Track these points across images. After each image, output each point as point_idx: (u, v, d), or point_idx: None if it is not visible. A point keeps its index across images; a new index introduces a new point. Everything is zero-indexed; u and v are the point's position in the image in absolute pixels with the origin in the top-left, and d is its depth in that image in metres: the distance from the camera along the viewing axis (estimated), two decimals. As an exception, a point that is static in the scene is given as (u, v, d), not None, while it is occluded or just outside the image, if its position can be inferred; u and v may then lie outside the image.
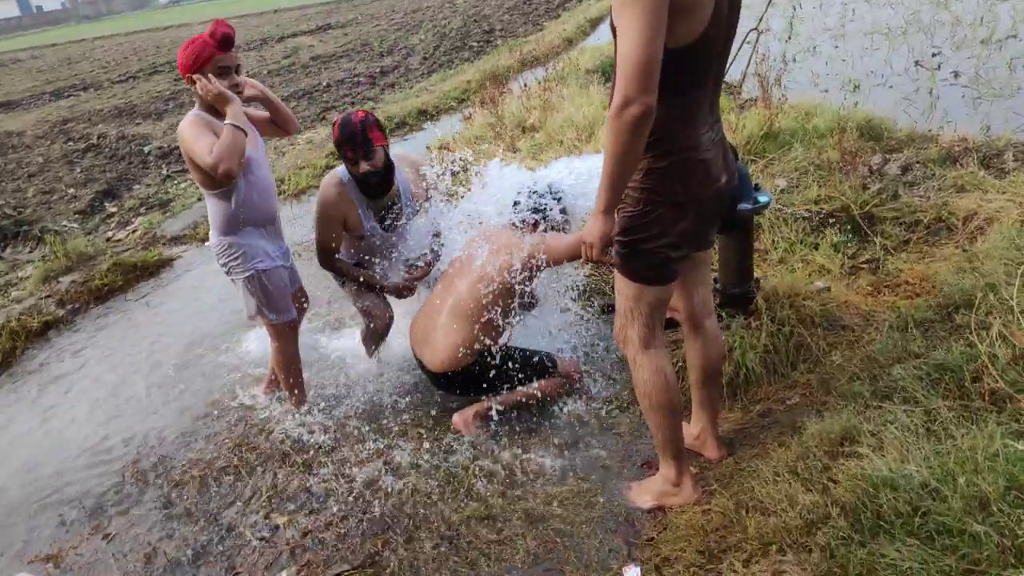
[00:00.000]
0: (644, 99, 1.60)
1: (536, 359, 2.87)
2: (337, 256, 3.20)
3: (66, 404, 3.67)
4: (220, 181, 2.64)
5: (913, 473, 1.70)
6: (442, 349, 2.81)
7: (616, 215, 1.87)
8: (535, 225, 2.87)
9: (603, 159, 1.72)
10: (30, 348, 4.33)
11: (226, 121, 2.59)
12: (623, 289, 2.01)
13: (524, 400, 2.88)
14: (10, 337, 4.33)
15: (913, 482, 1.68)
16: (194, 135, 2.61)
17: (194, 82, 2.64)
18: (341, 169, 3.08)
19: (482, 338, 2.77)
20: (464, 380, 2.86)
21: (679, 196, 1.85)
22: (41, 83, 20.18)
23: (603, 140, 5.04)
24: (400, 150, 3.14)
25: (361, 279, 3.18)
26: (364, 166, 2.89)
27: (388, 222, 3.18)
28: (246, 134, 2.61)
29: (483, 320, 2.75)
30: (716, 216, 2.02)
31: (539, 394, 2.87)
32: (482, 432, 2.85)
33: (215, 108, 2.70)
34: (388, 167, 3.00)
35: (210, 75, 2.61)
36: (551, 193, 2.92)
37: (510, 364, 2.83)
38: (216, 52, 2.62)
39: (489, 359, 2.80)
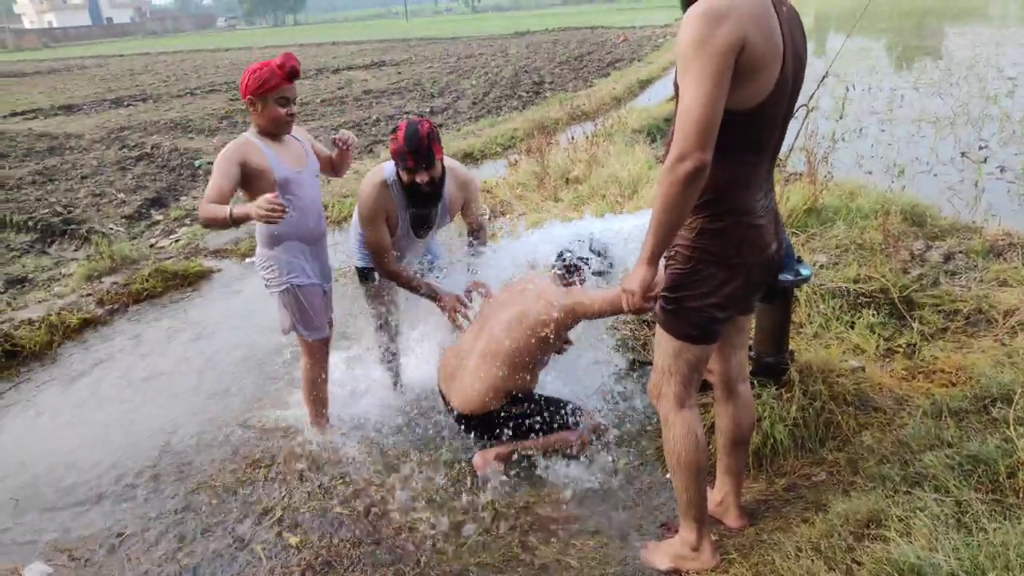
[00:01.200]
0: (699, 155, 1.64)
1: (563, 411, 2.87)
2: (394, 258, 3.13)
3: (94, 401, 3.74)
4: (260, 194, 2.69)
5: (941, 563, 1.68)
6: (470, 390, 2.82)
7: (665, 271, 1.90)
8: (576, 276, 2.90)
9: (653, 212, 1.75)
10: (67, 343, 4.43)
11: (231, 208, 2.58)
12: (664, 345, 2.03)
13: (546, 449, 2.88)
14: (48, 331, 4.43)
15: (941, 572, 1.66)
16: (218, 163, 2.69)
17: (253, 104, 2.74)
18: (387, 168, 3.02)
19: (511, 384, 2.78)
20: (488, 423, 2.87)
21: (731, 259, 1.88)
22: (104, 90, 20.99)
23: (651, 194, 5.13)
24: (448, 160, 3.16)
25: (419, 288, 3.15)
26: (423, 176, 2.87)
27: (422, 228, 3.16)
28: (229, 222, 2.59)
29: (515, 365, 2.77)
30: (763, 282, 2.04)
31: (561, 445, 2.86)
32: (501, 473, 2.85)
33: (271, 133, 2.81)
34: (441, 179, 2.99)
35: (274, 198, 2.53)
36: (592, 248, 2.95)
37: (536, 411, 2.84)
38: (283, 83, 2.73)
39: (515, 407, 2.81)
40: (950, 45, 18.82)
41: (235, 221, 2.58)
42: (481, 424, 2.88)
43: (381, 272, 3.15)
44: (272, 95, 2.73)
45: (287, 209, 2.50)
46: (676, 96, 1.84)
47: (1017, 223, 4.92)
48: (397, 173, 2.95)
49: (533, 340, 2.76)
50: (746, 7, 1.65)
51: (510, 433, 2.85)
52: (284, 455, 3.11)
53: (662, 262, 1.92)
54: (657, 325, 2.06)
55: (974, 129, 8.39)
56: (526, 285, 2.94)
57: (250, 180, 2.77)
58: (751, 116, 1.74)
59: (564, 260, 2.91)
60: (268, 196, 2.47)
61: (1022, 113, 8.87)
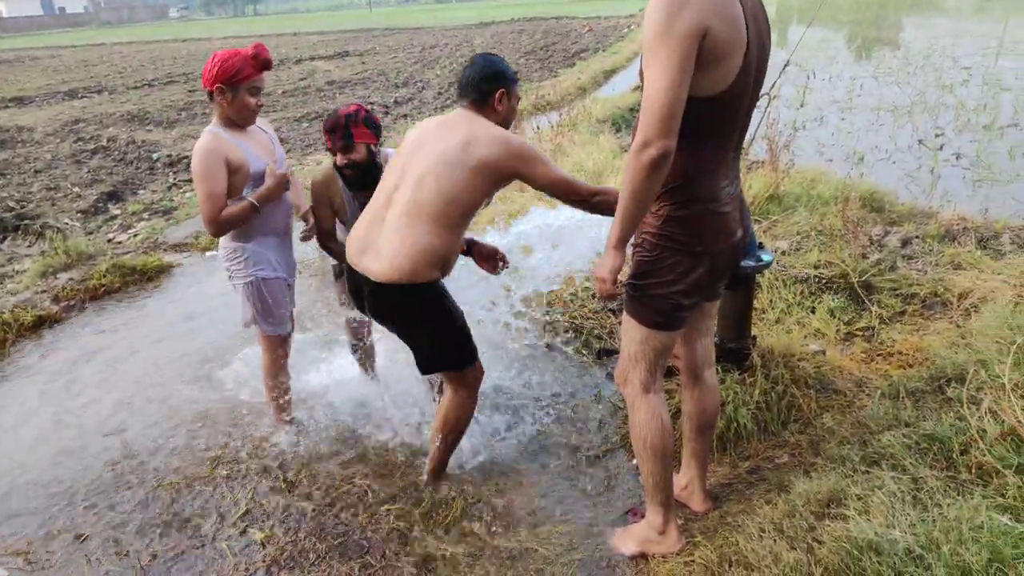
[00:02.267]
0: (663, 141, 1.66)
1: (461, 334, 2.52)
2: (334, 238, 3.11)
3: (50, 400, 3.64)
4: (234, 191, 2.70)
5: (898, 539, 1.71)
6: (393, 254, 2.32)
7: (632, 258, 1.91)
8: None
9: (620, 197, 1.77)
10: (21, 341, 4.30)
11: (250, 198, 2.71)
12: (630, 331, 2.04)
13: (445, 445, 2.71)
14: (1, 329, 4.30)
15: (898, 548, 1.69)
16: (201, 172, 2.63)
17: (222, 93, 2.66)
18: None
19: (443, 248, 2.33)
20: (405, 303, 2.41)
21: (696, 246, 1.89)
22: (57, 82, 20.38)
23: (617, 182, 5.15)
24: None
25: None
26: (340, 159, 2.81)
27: None
28: (258, 211, 2.74)
29: (449, 223, 2.33)
30: (729, 269, 2.06)
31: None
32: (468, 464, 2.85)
33: (233, 121, 2.75)
34: (370, 165, 2.85)
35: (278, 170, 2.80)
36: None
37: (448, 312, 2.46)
38: (255, 72, 2.68)
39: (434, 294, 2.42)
40: (908, 36, 19.22)
41: (259, 207, 2.75)
42: (398, 303, 2.43)
43: (320, 244, 3.11)
44: (244, 84, 2.67)
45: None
46: (642, 83, 1.84)
47: (971, 208, 5.06)
48: None
49: (466, 193, 2.30)
50: None
51: (418, 324, 2.46)
52: (247, 451, 3.07)
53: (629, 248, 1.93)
54: (623, 312, 2.07)
55: (931, 117, 8.58)
56: (457, 121, 2.41)
57: (228, 176, 2.69)
58: (715, 103, 1.75)
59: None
60: (275, 171, 2.77)
61: (976, 102, 9.09)
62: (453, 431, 2.65)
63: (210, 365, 3.85)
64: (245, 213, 2.72)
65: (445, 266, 2.42)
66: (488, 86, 2.37)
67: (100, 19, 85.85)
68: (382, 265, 2.33)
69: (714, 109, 1.76)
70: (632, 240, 1.97)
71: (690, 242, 1.88)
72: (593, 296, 3.89)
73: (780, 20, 28.67)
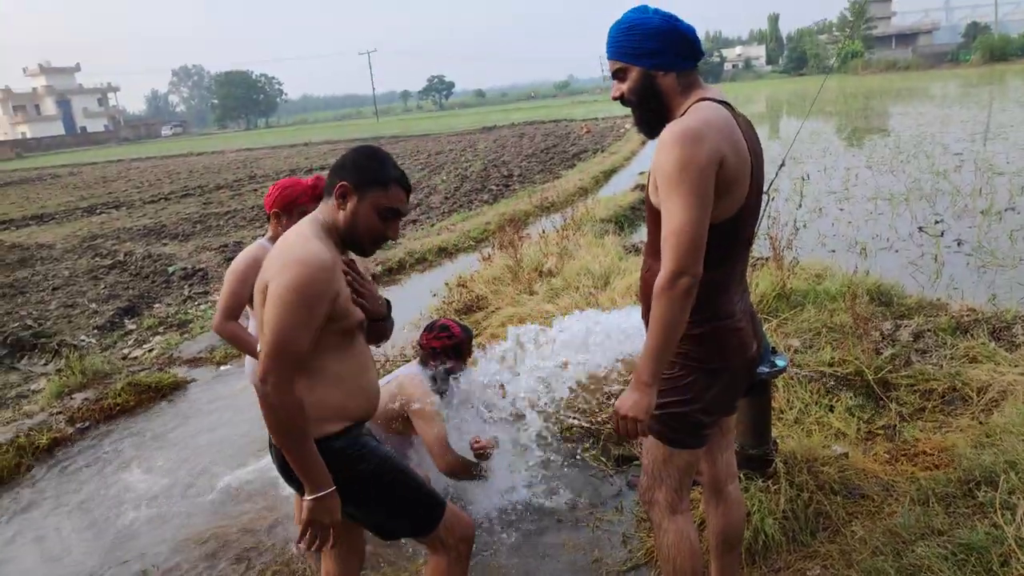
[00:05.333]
0: (694, 271, 1.71)
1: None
2: None
3: (63, 525, 3.58)
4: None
5: (946, 665, 1.65)
6: None
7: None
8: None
9: (650, 330, 1.77)
10: (36, 465, 4.28)
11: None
12: (653, 451, 2.03)
13: None
14: (16, 453, 4.29)
15: (947, 675, 1.62)
16: (234, 269, 2.84)
17: (278, 217, 2.88)
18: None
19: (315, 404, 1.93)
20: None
21: (714, 363, 1.91)
22: (76, 199, 21.11)
23: (623, 285, 5.22)
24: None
25: None
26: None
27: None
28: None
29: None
30: (746, 383, 2.07)
31: None
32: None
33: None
34: None
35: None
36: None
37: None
38: (311, 202, 2.83)
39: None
40: (896, 123, 19.84)
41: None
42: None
43: None
44: (298, 210, 2.84)
45: None
46: (649, 212, 1.91)
47: (978, 296, 5.09)
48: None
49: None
50: (718, 125, 1.75)
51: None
52: (280, 557, 2.98)
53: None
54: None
55: (928, 204, 8.75)
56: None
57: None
58: (728, 226, 1.82)
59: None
60: None
61: (971, 187, 9.29)
62: None
63: (230, 484, 3.80)
64: (246, 345, 2.84)
65: (342, 416, 1.94)
66: (331, 178, 1.94)
67: (120, 136, 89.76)
68: None
69: (727, 232, 1.83)
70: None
71: (708, 359, 1.90)
72: (611, 400, 3.87)
73: (771, 114, 29.73)
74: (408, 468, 2.09)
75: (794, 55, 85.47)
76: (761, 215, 5.37)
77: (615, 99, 1.95)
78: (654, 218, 1.90)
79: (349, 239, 1.93)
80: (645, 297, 2.00)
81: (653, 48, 1.83)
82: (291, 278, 1.75)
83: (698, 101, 1.83)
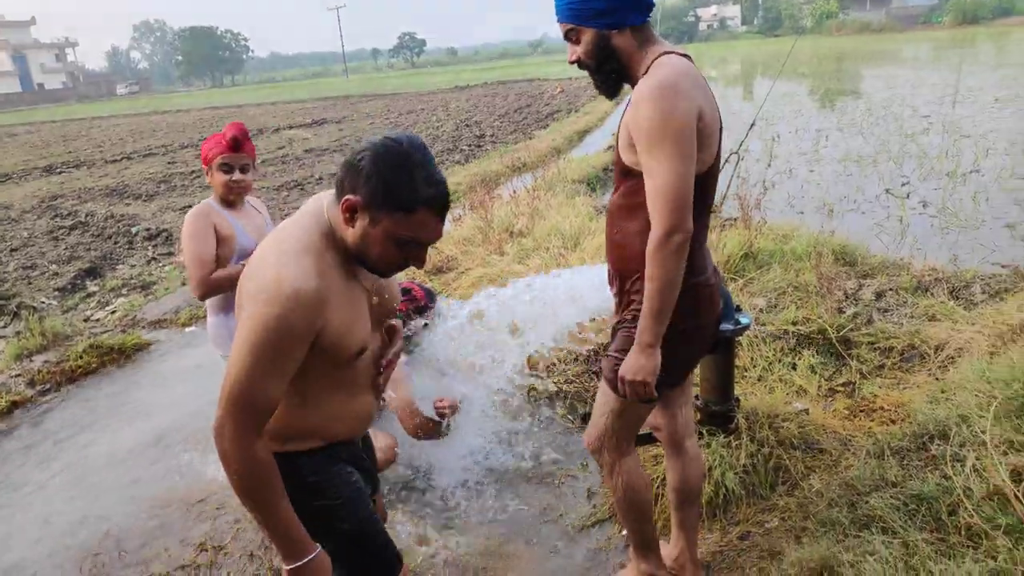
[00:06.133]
0: (686, 227, 1.70)
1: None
2: None
3: (25, 488, 3.54)
4: (220, 263, 2.80)
5: (893, 610, 1.70)
6: None
7: (617, 333, 1.92)
8: None
9: (648, 291, 1.75)
10: (-6, 428, 4.20)
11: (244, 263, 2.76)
12: (608, 402, 2.03)
13: None
14: (-26, 416, 4.21)
15: (893, 620, 1.68)
16: (190, 233, 2.77)
17: (207, 172, 2.87)
18: None
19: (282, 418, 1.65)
20: None
21: (687, 321, 1.89)
22: (35, 158, 20.45)
23: (594, 245, 5.21)
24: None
25: None
26: None
27: None
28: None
29: None
30: (711, 341, 2.08)
31: None
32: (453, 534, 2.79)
33: (223, 199, 2.88)
34: None
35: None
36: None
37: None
38: (224, 150, 2.80)
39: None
40: (868, 86, 19.93)
41: None
42: None
43: None
44: (214, 162, 2.82)
45: None
46: (619, 170, 1.88)
47: (941, 256, 5.18)
48: None
49: None
50: (692, 78, 1.72)
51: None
52: (232, 537, 2.98)
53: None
54: (602, 382, 2.06)
55: (896, 166, 8.84)
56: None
57: (216, 245, 2.82)
58: (702, 180, 1.80)
59: None
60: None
61: (938, 150, 9.39)
62: None
63: (193, 446, 3.77)
64: (235, 279, 2.74)
65: (317, 436, 1.68)
66: (341, 177, 1.48)
67: (79, 94, 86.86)
68: None
69: (701, 186, 1.80)
70: (617, 317, 1.99)
71: (682, 317, 1.88)
72: (576, 360, 3.89)
73: (745, 76, 29.68)
74: (374, 517, 1.79)
75: (769, 16, 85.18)
76: (731, 175, 5.38)
77: (572, 63, 1.88)
78: (625, 177, 1.87)
79: (359, 260, 1.53)
80: (616, 259, 1.98)
81: (602, 7, 1.76)
82: (260, 314, 1.39)
83: (660, 56, 1.78)
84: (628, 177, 1.86)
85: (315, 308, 1.42)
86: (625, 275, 1.94)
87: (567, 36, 1.86)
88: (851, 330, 3.62)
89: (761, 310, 3.88)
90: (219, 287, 2.79)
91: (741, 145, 5.98)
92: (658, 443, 2.53)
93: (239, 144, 2.81)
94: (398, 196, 1.41)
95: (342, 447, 1.74)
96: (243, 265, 2.76)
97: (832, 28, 62.38)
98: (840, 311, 3.78)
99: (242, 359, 1.40)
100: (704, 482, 2.44)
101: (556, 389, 3.72)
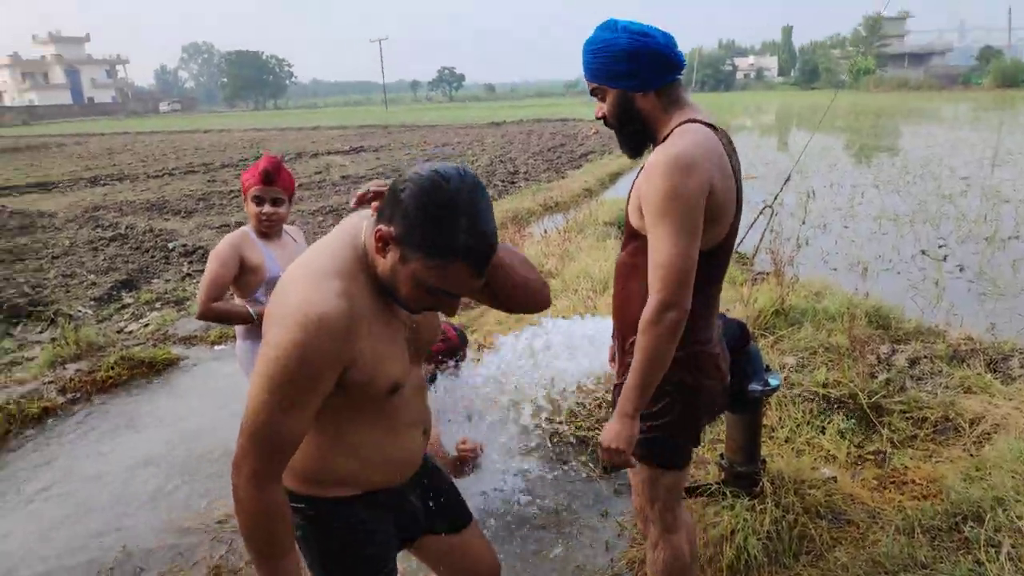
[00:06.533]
0: (683, 305, 1.68)
1: None
2: None
3: (49, 497, 3.58)
4: (247, 290, 2.88)
5: None
6: None
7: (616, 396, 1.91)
8: None
9: (636, 361, 1.74)
10: (25, 432, 4.27)
11: (246, 305, 2.87)
12: (639, 472, 2.01)
13: None
14: (5, 420, 4.28)
15: None
16: (215, 255, 2.84)
17: (245, 201, 2.92)
18: None
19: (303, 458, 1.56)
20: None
21: (691, 387, 1.89)
22: (80, 168, 21.09)
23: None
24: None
25: None
26: None
27: None
28: (251, 321, 2.85)
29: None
30: (720, 407, 2.06)
31: None
32: None
33: (258, 230, 2.92)
34: None
35: None
36: None
37: None
38: (257, 183, 2.84)
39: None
40: (905, 144, 19.81)
41: (254, 318, 2.83)
42: None
43: None
44: (248, 194, 2.87)
45: None
46: (628, 231, 1.89)
47: (978, 324, 5.08)
48: None
49: None
50: (708, 152, 1.71)
51: None
52: (247, 564, 2.98)
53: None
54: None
55: (932, 227, 8.74)
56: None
57: (241, 274, 2.87)
58: (711, 254, 1.80)
59: None
60: None
61: (976, 213, 9.28)
62: None
63: (214, 464, 3.80)
64: (236, 317, 2.87)
65: (352, 484, 1.57)
66: (384, 201, 1.36)
67: (127, 109, 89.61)
68: None
69: (710, 259, 1.80)
70: (617, 379, 1.99)
71: (685, 382, 1.88)
72: (600, 406, 3.87)
73: (780, 126, 29.69)
74: None
75: (806, 68, 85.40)
76: (764, 229, 5.35)
77: (598, 119, 1.89)
78: (632, 238, 1.87)
79: (389, 293, 1.40)
80: (618, 318, 1.98)
81: (624, 70, 1.75)
82: (283, 340, 1.28)
83: (684, 123, 1.77)
84: (635, 239, 1.86)
85: (343, 336, 1.30)
86: (624, 335, 1.94)
87: (593, 93, 1.87)
88: (883, 396, 3.56)
89: (791, 369, 3.83)
90: (217, 316, 2.86)
91: (776, 199, 5.98)
92: (707, 493, 2.50)
93: (271, 177, 2.84)
94: (433, 240, 1.27)
95: (381, 493, 1.61)
96: (244, 304, 2.84)
97: (870, 84, 62.30)
98: (872, 376, 3.72)
99: (262, 390, 1.30)
100: (698, 548, 2.37)
101: (579, 436, 3.68)
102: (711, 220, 1.72)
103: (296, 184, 12.61)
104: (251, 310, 2.83)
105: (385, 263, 1.33)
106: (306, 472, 1.52)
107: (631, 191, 1.86)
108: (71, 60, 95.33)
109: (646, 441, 1.95)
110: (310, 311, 1.27)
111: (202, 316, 2.87)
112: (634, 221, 1.83)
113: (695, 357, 1.88)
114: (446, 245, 1.26)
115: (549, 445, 3.71)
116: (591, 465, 3.55)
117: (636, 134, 1.86)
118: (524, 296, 1.57)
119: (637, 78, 1.75)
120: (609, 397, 3.82)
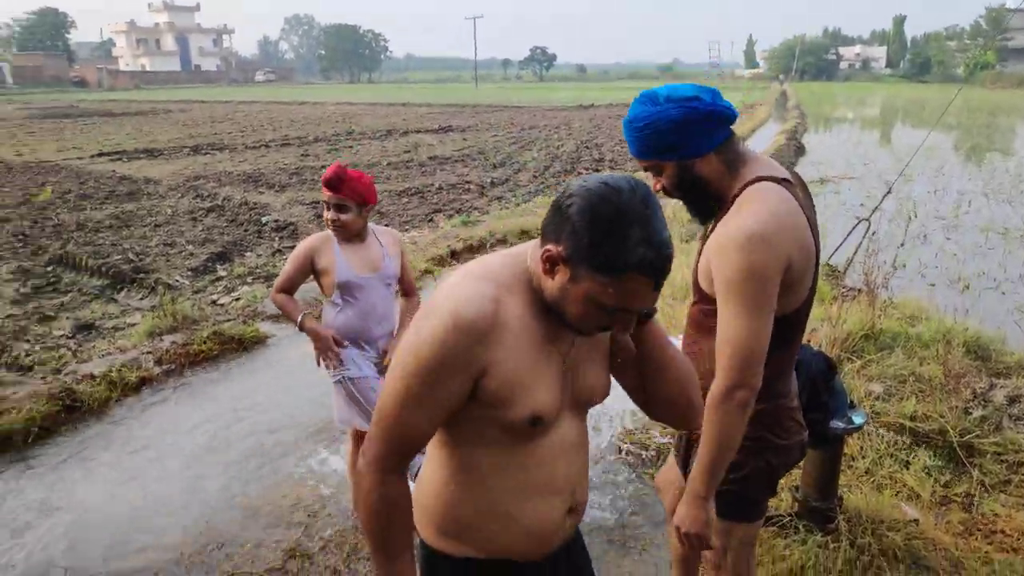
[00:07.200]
0: (753, 384, 1.62)
1: None
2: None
3: (138, 470, 3.81)
4: (327, 291, 3.00)
5: None
6: None
7: (685, 449, 1.89)
8: None
9: (704, 443, 1.70)
10: (124, 399, 4.57)
11: (301, 319, 2.97)
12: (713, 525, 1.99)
13: None
14: (108, 387, 4.59)
15: None
16: (293, 252, 2.99)
17: None
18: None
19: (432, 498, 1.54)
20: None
21: (768, 441, 1.85)
22: (184, 136, 22.18)
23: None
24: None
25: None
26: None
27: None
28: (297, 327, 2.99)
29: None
30: (796, 460, 2.00)
31: None
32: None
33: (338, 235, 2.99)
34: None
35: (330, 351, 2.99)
36: None
37: None
38: (324, 189, 2.89)
39: None
40: (1021, 146, 18.49)
41: (301, 328, 2.96)
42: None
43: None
44: (323, 198, 2.93)
45: (343, 344, 2.96)
46: (695, 290, 1.82)
47: (1090, 359, 4.72)
48: None
49: None
50: (788, 223, 1.62)
51: None
52: (320, 548, 3.11)
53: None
54: None
55: (1047, 245, 8.17)
56: None
57: (317, 275, 3.00)
58: (789, 319, 1.74)
59: None
60: (330, 345, 2.94)
61: (1098, 232, 8.61)
62: None
63: (297, 444, 3.97)
64: (289, 316, 3.02)
65: (475, 544, 1.42)
66: (548, 220, 1.28)
67: (229, 78, 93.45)
68: None
69: (790, 323, 1.74)
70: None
71: (762, 437, 1.83)
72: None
73: (884, 121, 28.19)
74: None
75: (917, 60, 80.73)
76: (858, 244, 5.09)
77: (657, 192, 1.75)
78: (701, 297, 1.80)
79: (556, 313, 1.32)
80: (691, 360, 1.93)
81: (675, 142, 1.65)
82: (421, 334, 1.26)
83: (754, 181, 1.67)
84: (704, 300, 1.79)
85: (480, 338, 1.24)
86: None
87: (647, 170, 1.77)
88: (976, 435, 3.37)
89: (877, 397, 3.68)
90: (279, 307, 3.04)
91: (873, 212, 5.71)
92: (779, 524, 2.45)
93: (333, 185, 2.86)
94: (605, 256, 1.19)
95: (504, 566, 1.43)
96: (300, 319, 2.93)
97: (987, 80, 58.25)
98: (966, 412, 3.53)
99: (394, 378, 1.29)
100: None
101: (655, 452, 3.66)
102: (787, 289, 1.65)
103: (385, 163, 12.64)
104: (301, 322, 2.95)
105: (553, 284, 1.27)
106: (427, 510, 1.44)
107: (700, 251, 1.78)
108: (182, 28, 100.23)
109: (720, 494, 1.92)
110: (453, 307, 1.24)
111: (272, 299, 3.07)
112: (704, 286, 1.76)
113: (774, 412, 1.84)
114: (621, 259, 1.18)
115: (623, 457, 3.69)
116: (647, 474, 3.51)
117: (703, 200, 1.76)
118: (675, 390, 1.44)
119: (692, 146, 1.66)
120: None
